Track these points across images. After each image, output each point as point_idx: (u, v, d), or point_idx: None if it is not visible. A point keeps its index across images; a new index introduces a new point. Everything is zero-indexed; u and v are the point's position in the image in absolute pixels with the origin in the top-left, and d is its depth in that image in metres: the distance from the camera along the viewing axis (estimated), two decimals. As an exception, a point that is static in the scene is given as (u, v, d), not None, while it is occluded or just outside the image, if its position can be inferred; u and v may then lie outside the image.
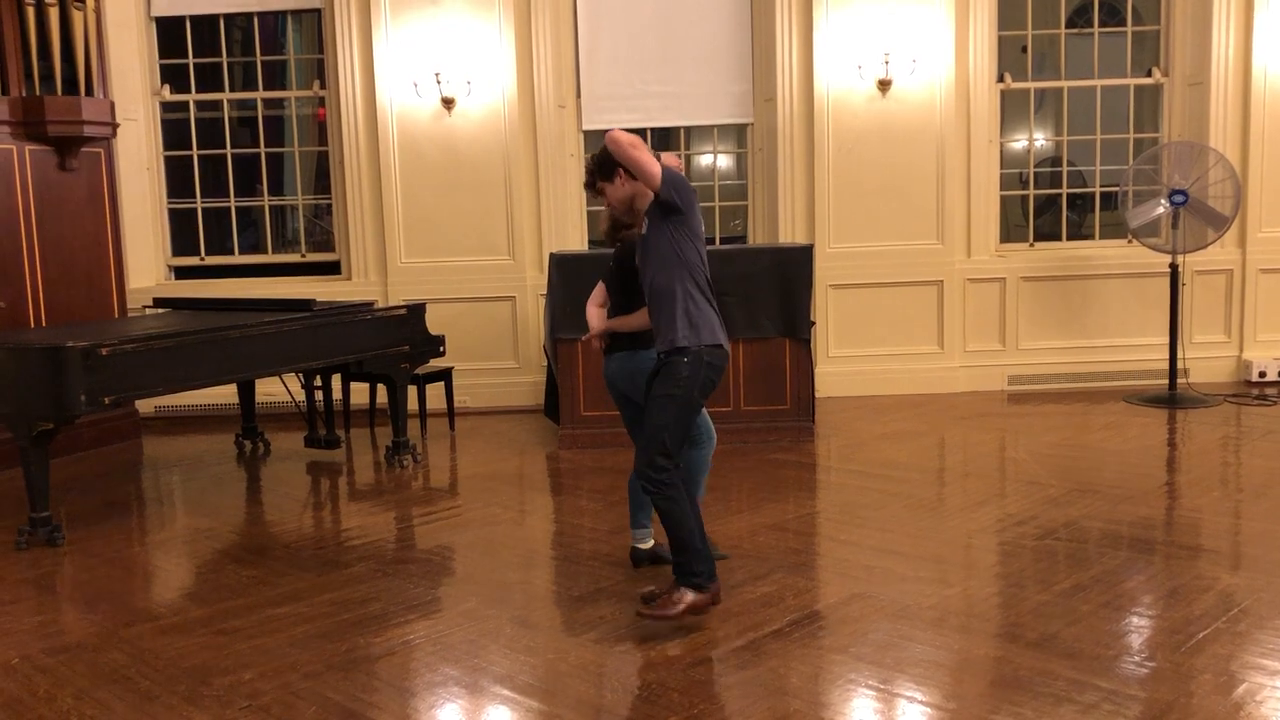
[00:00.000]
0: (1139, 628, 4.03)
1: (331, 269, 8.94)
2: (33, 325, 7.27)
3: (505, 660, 3.89)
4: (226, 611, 4.43)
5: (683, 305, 4.04)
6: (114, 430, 7.81)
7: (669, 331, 4.06)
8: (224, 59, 8.89)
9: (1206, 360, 8.67)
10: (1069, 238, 9.15)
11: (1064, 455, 6.70)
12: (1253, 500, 5.64)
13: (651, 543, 4.74)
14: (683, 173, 4.23)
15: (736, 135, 9.17)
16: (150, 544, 5.59)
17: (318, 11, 8.73)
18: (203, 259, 9.01)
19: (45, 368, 5.21)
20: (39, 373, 5.23)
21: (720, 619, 4.16)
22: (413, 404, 7.63)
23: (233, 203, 9.01)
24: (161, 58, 8.84)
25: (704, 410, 4.61)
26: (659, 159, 4.05)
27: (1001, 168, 8.90)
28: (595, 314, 4.65)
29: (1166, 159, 8.06)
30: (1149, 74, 8.89)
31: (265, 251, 9.15)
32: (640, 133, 8.85)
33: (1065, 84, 8.97)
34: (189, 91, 8.87)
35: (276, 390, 7.70)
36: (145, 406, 8.23)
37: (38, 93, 7.25)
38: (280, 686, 3.69)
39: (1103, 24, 8.94)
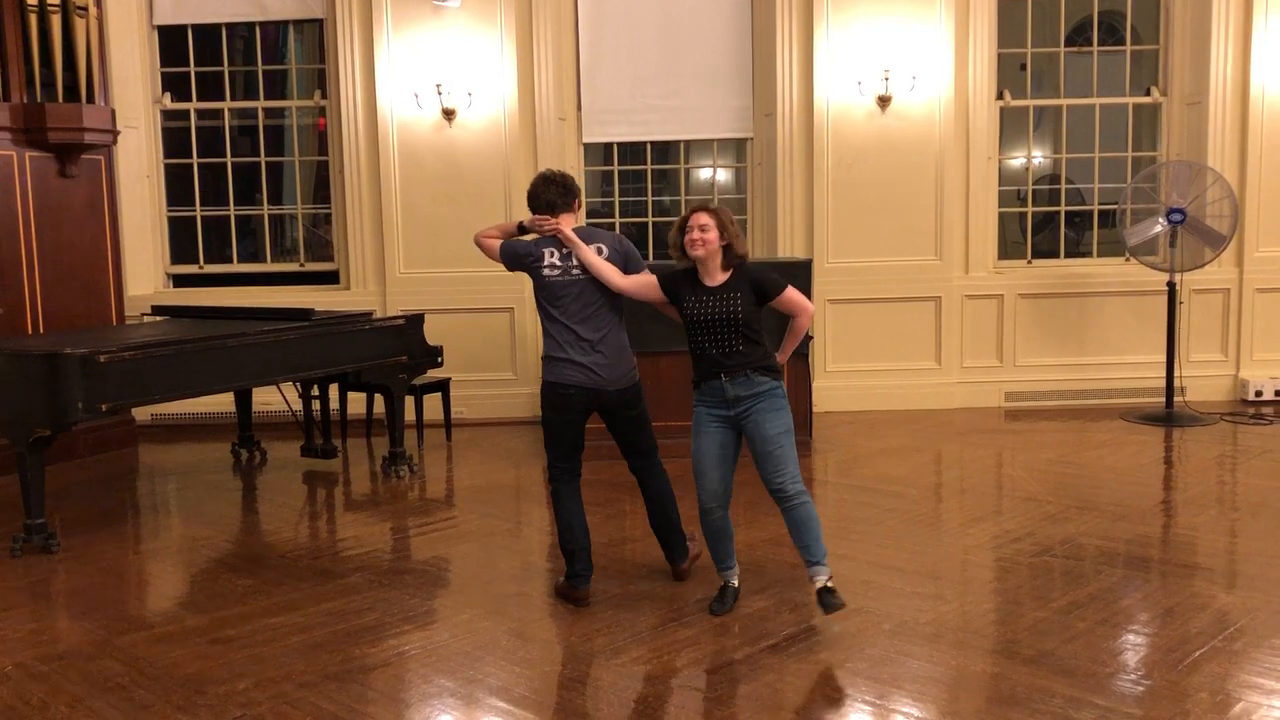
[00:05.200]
0: (1135, 645, 4.03)
1: (330, 278, 8.95)
2: (31, 331, 7.27)
3: (501, 672, 3.88)
4: (221, 621, 4.42)
5: (545, 342, 4.70)
6: (110, 438, 7.79)
7: None
8: (225, 68, 8.91)
9: (1203, 379, 8.68)
10: (1067, 255, 9.17)
11: (1061, 472, 6.70)
12: (1249, 519, 5.64)
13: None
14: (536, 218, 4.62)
15: (736, 150, 9.19)
16: (145, 552, 5.58)
17: (319, 22, 8.76)
18: (202, 267, 9.01)
19: (43, 374, 5.20)
20: (37, 379, 5.23)
21: (717, 633, 4.17)
22: (410, 414, 7.62)
23: (232, 211, 9.02)
24: (163, 66, 8.85)
25: (782, 464, 4.52)
26: (523, 226, 4.69)
27: (1000, 185, 8.93)
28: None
29: (1165, 178, 8.09)
30: (1147, 93, 8.92)
31: (264, 260, 9.15)
32: (640, 146, 8.99)
33: (1064, 102, 9.01)
34: (190, 100, 8.88)
35: (274, 399, 7.70)
36: (142, 414, 8.22)
37: (39, 100, 7.26)
38: (275, 696, 3.68)
39: (1102, 43, 8.98)
